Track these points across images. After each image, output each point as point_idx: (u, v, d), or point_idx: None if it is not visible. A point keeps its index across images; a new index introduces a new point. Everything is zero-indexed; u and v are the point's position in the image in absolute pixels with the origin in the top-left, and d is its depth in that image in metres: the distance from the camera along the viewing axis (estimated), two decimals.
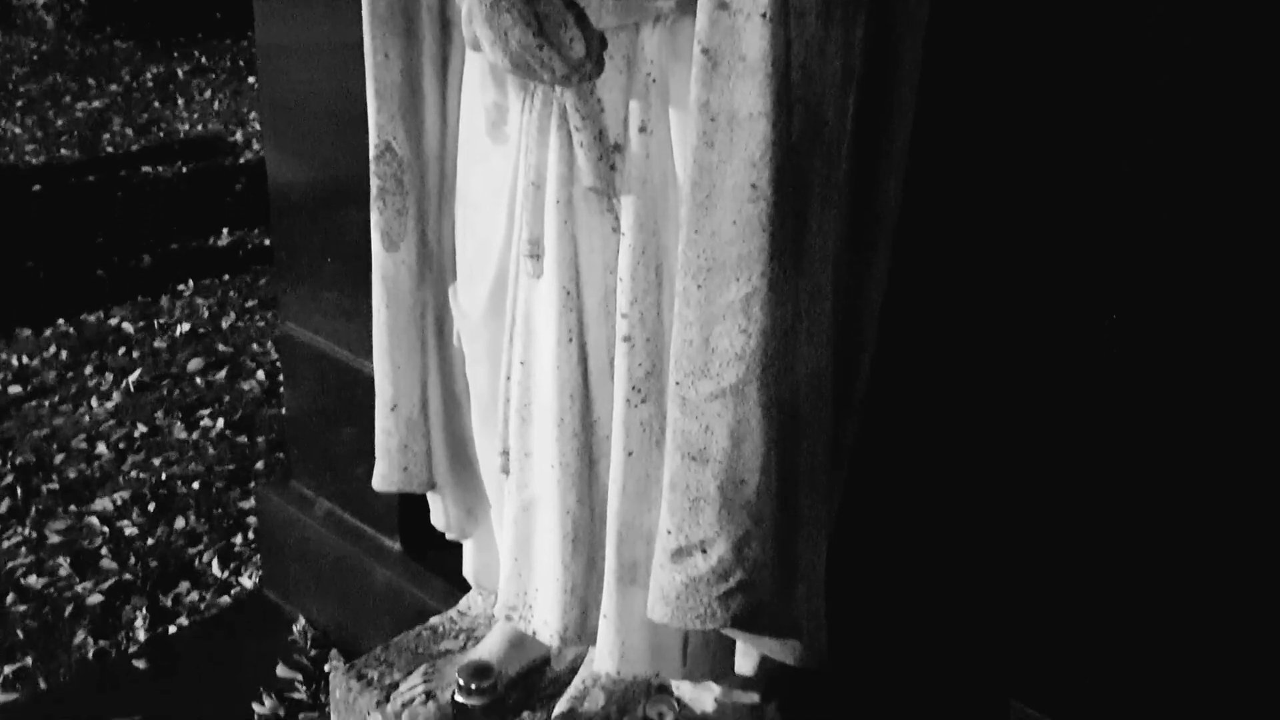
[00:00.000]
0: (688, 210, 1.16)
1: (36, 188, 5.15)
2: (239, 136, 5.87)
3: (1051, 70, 1.41)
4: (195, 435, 3.22)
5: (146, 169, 5.41)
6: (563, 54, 1.18)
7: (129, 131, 5.96)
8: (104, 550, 2.71)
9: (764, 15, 1.07)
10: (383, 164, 1.42)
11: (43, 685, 2.28)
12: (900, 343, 1.47)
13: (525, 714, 1.56)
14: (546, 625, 1.46)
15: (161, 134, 5.94)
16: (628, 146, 1.25)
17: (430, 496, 1.64)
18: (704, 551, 1.25)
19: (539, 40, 1.17)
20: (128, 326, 3.89)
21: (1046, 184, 1.45)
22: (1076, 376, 1.48)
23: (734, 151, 1.12)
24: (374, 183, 1.44)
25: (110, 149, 5.70)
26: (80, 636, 2.42)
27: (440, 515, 1.65)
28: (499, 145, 1.34)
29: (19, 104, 6.39)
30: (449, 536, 1.68)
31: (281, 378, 2.55)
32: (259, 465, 3.06)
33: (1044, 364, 1.50)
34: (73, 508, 2.89)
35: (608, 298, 1.32)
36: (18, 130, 5.97)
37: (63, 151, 5.65)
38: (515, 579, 1.48)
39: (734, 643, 1.47)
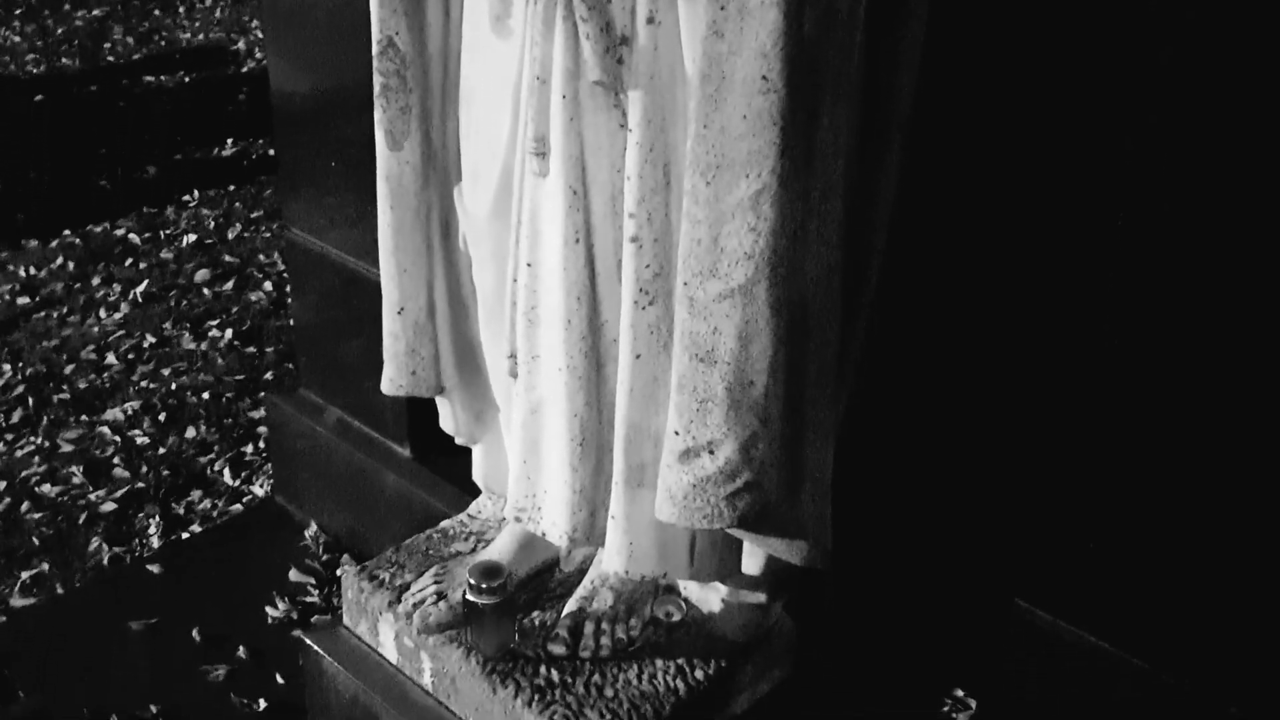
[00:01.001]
0: (696, 104, 1.13)
1: (39, 98, 5.09)
2: (241, 45, 5.78)
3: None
4: (204, 346, 3.23)
5: (149, 78, 5.33)
6: None
7: (130, 40, 5.86)
8: (116, 459, 2.73)
9: None
10: (385, 60, 1.39)
11: (59, 590, 2.32)
12: (912, 243, 1.45)
13: (535, 613, 1.57)
14: (555, 526, 1.47)
15: (163, 43, 5.85)
16: (635, 39, 1.21)
17: (439, 401, 1.64)
18: (711, 452, 1.25)
19: None
20: (134, 238, 3.87)
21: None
22: (1082, 287, 1.46)
23: (744, 42, 1.09)
24: (376, 80, 1.41)
25: (111, 58, 5.62)
26: (95, 543, 2.45)
27: (449, 419, 1.65)
28: (503, 40, 1.31)
29: (18, 11, 6.29)
30: (458, 441, 1.68)
31: (289, 292, 2.54)
32: (268, 375, 3.07)
33: (1053, 276, 1.49)
34: (84, 417, 2.91)
35: (615, 197, 1.30)
36: (17, 39, 5.88)
37: (63, 61, 5.58)
38: (524, 481, 1.48)
39: (740, 544, 1.48)
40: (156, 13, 6.28)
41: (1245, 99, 1.27)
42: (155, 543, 2.45)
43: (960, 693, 1.76)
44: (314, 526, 2.41)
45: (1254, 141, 1.28)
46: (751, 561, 1.51)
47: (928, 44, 1.25)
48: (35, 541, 2.46)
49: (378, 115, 1.43)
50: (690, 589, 1.57)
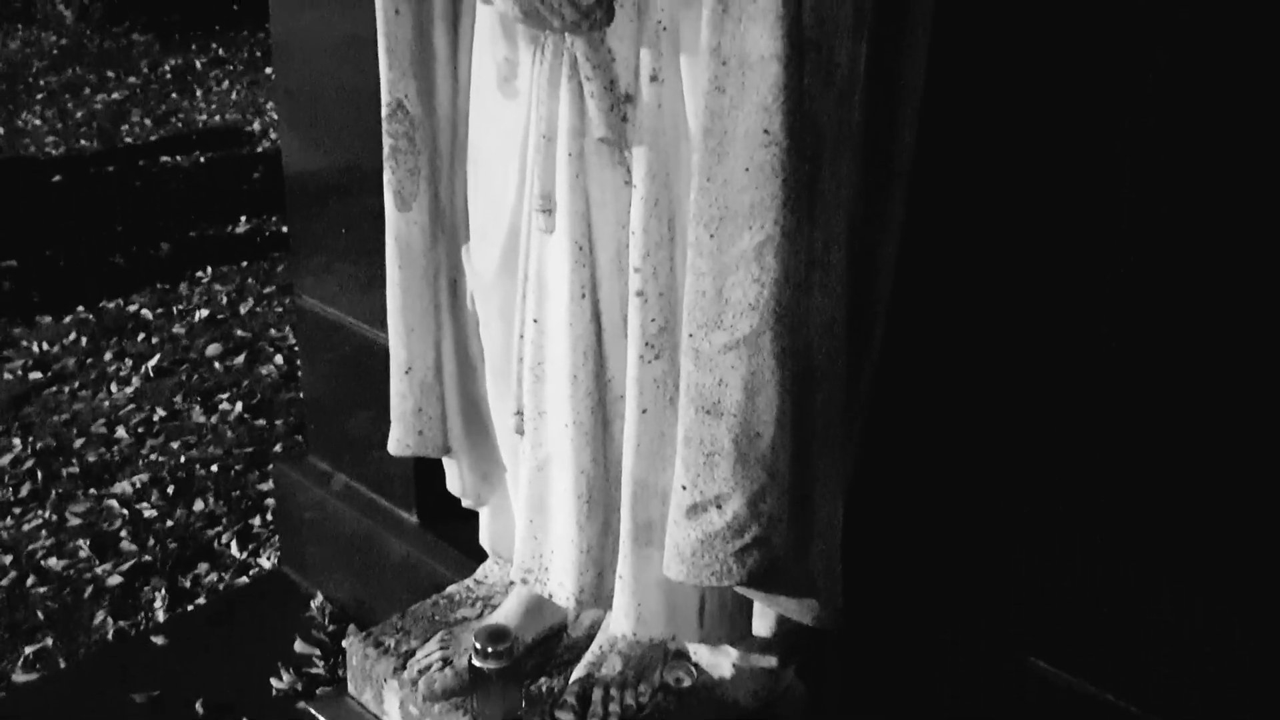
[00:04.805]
0: (699, 158, 1.14)
1: (56, 178, 5.18)
2: (256, 126, 5.88)
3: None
4: (214, 419, 3.23)
5: (165, 159, 5.43)
6: None
7: (148, 122, 5.98)
8: (123, 532, 2.72)
9: None
10: (394, 122, 1.41)
11: (63, 664, 2.29)
12: (916, 292, 1.45)
13: (542, 680, 1.55)
14: (562, 587, 1.45)
15: (180, 124, 5.97)
16: (639, 96, 1.23)
17: (446, 462, 1.64)
18: (719, 507, 1.24)
19: None
20: (147, 313, 3.90)
21: (1055, 158, 1.43)
22: (1092, 330, 1.46)
23: (746, 96, 1.10)
24: (386, 142, 1.43)
25: (129, 139, 5.72)
26: (100, 617, 2.43)
27: (456, 480, 1.64)
28: (510, 101, 1.33)
29: (39, 97, 6.42)
30: (465, 503, 1.67)
31: (299, 362, 2.55)
32: (277, 448, 3.07)
33: (1061, 318, 1.48)
34: (92, 491, 2.90)
35: (620, 253, 1.31)
36: (38, 122, 6.00)
37: (82, 143, 5.68)
38: (530, 541, 1.47)
39: (751, 605, 1.46)
40: (174, 95, 6.42)
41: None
42: (161, 616, 2.43)
43: None
44: (320, 597, 2.38)
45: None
46: (762, 623, 1.49)
47: (927, 94, 1.27)
48: (40, 616, 2.44)
49: (386, 176, 1.45)
50: (700, 653, 1.55)
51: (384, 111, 1.43)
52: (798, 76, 1.10)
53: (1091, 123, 1.39)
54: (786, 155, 1.11)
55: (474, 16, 1.38)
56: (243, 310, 3.92)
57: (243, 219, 4.68)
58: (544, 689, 1.53)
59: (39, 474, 2.98)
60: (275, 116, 5.73)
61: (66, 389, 3.43)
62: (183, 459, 3.02)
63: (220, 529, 2.73)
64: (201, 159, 5.44)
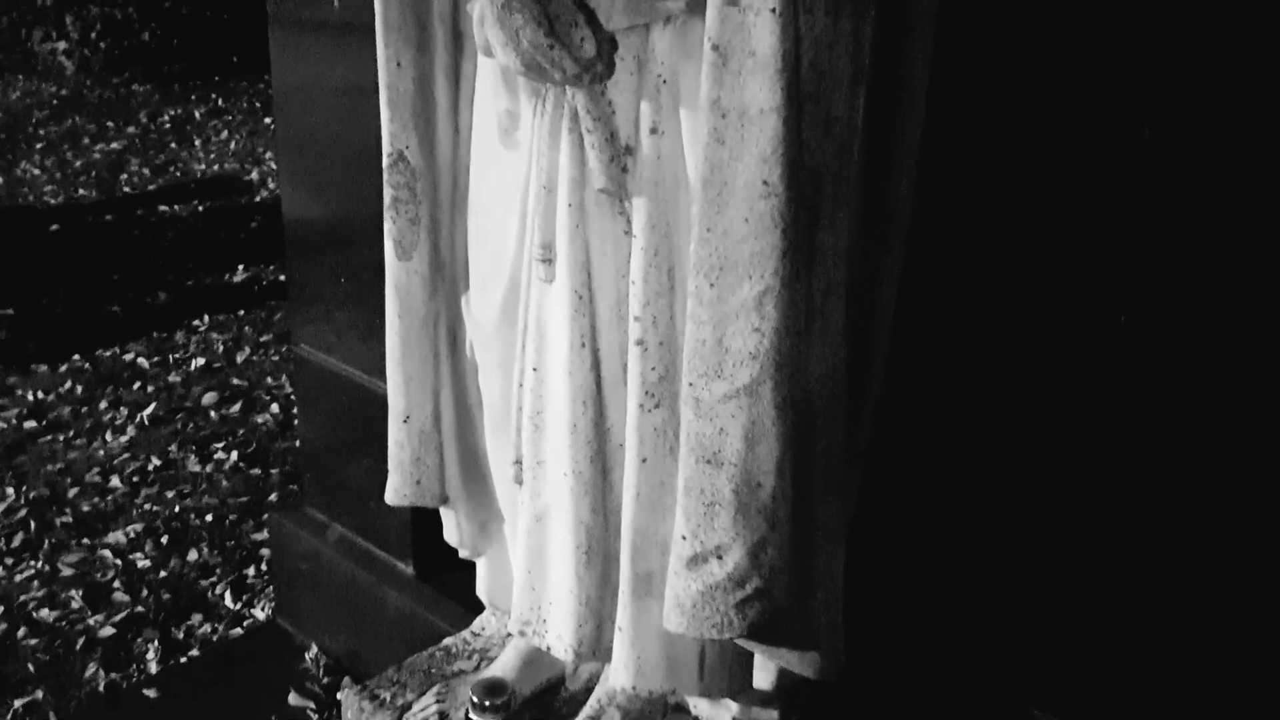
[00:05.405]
0: (699, 208, 1.15)
1: (54, 227, 5.20)
2: (254, 175, 5.92)
3: (1061, 59, 1.40)
4: (209, 468, 3.21)
5: (163, 208, 5.46)
6: (574, 53, 1.18)
7: (146, 171, 6.02)
8: (116, 583, 2.69)
9: (773, 10, 1.07)
10: (395, 173, 1.42)
11: (53, 718, 2.26)
12: (915, 342, 1.46)
13: None
14: (560, 640, 1.44)
15: (178, 173, 6.00)
16: (639, 148, 1.24)
17: (443, 512, 1.63)
18: (720, 558, 1.23)
19: (550, 40, 1.17)
20: (143, 362, 3.90)
21: (1058, 175, 1.44)
22: (1093, 377, 1.46)
23: (745, 148, 1.11)
24: (387, 192, 1.44)
25: (127, 189, 5.76)
26: (92, 669, 2.40)
27: (453, 531, 1.63)
28: (511, 151, 1.34)
29: (39, 146, 6.47)
30: (462, 554, 1.66)
31: (295, 410, 2.54)
32: (272, 497, 3.05)
33: (1059, 366, 1.49)
34: (86, 540, 2.88)
35: (620, 302, 1.31)
36: (37, 171, 6.04)
37: (81, 192, 5.71)
38: (528, 592, 1.46)
39: (751, 658, 1.44)
40: (173, 145, 6.46)
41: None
42: (153, 668, 2.40)
43: None
44: (315, 648, 2.36)
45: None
46: (763, 676, 1.47)
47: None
48: (30, 668, 2.41)
49: (387, 226, 1.46)
50: (700, 707, 1.53)
51: (385, 162, 1.44)
52: (796, 128, 1.11)
53: (1088, 175, 1.40)
54: (786, 206, 1.12)
55: (475, 67, 1.40)
56: (239, 359, 3.92)
57: (240, 268, 4.70)
58: None
59: (32, 523, 2.96)
60: (274, 166, 5.78)
61: (61, 438, 3.41)
62: (177, 508, 3.00)
63: (214, 579, 2.70)
64: (199, 208, 5.47)
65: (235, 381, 3.75)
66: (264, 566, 2.71)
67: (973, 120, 1.45)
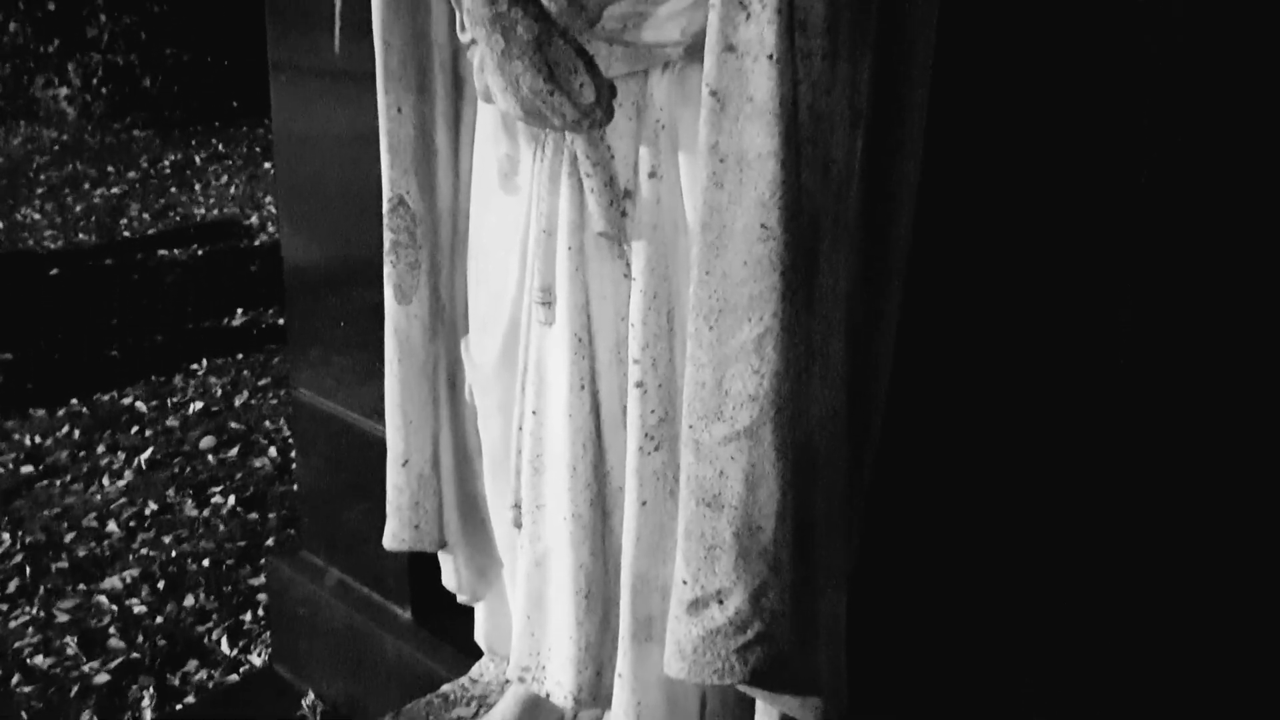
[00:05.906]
0: (698, 251, 1.15)
1: (54, 271, 5.21)
2: (254, 220, 5.94)
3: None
4: (206, 513, 3.20)
5: (163, 252, 5.47)
6: (573, 99, 1.19)
7: (146, 216, 6.04)
8: (112, 629, 2.67)
9: (771, 57, 1.08)
10: (395, 217, 1.43)
11: None
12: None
13: None
14: (560, 686, 1.43)
15: (178, 218, 6.03)
16: (638, 192, 1.25)
17: (442, 556, 1.62)
18: (720, 602, 1.22)
19: (550, 86, 1.18)
20: (140, 406, 3.89)
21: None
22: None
23: (744, 192, 1.12)
24: (387, 236, 1.45)
25: (127, 233, 5.77)
26: (86, 717, 2.37)
27: (451, 576, 1.62)
28: (511, 196, 1.35)
29: (39, 191, 6.50)
30: (460, 599, 1.65)
31: (294, 454, 2.53)
32: (270, 542, 3.03)
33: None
34: (82, 586, 2.86)
35: (620, 345, 1.32)
36: (37, 216, 6.06)
37: (80, 236, 5.73)
38: (528, 637, 1.44)
39: (753, 703, 1.43)
40: (173, 189, 6.49)
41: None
42: (149, 715, 2.37)
43: None
44: (312, 695, 2.33)
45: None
46: None
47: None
48: (25, 716, 2.38)
49: (387, 270, 1.46)
50: None
51: (385, 207, 1.44)
52: (795, 172, 1.12)
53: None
54: (784, 249, 1.12)
55: (475, 113, 1.41)
56: (237, 403, 3.91)
57: (239, 311, 4.70)
58: None
59: (28, 569, 2.94)
60: (273, 210, 5.80)
61: (58, 482, 3.40)
62: (174, 553, 2.99)
63: (211, 625, 2.68)
64: (199, 252, 5.48)
65: (233, 425, 3.74)
66: (261, 612, 2.69)
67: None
